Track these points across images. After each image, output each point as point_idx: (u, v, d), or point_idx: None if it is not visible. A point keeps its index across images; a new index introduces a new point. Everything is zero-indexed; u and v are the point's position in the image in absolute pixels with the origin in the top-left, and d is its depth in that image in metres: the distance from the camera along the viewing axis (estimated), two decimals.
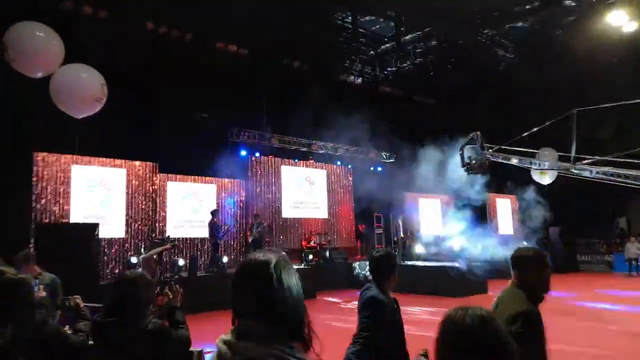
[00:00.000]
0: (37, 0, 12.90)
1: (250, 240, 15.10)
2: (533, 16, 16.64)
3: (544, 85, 19.52)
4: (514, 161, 13.34)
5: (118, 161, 12.54)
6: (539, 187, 22.40)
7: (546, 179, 22.02)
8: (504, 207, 23.95)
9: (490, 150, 13.87)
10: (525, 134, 12.64)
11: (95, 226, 9.64)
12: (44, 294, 4.56)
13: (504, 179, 22.15)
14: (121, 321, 2.56)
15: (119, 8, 14.76)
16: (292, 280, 1.53)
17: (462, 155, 14.34)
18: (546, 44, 17.92)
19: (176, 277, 11.14)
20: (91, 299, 8.42)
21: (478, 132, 14.20)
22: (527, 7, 16.28)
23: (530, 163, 13.41)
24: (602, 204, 20.37)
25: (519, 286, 2.79)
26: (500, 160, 13.64)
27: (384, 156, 22.49)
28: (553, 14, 16.40)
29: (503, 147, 13.66)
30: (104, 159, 12.30)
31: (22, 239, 9.94)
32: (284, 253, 1.60)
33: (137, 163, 12.92)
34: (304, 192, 19.54)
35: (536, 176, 22.16)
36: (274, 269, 1.49)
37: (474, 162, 13.96)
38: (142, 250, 11.28)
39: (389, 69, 20.34)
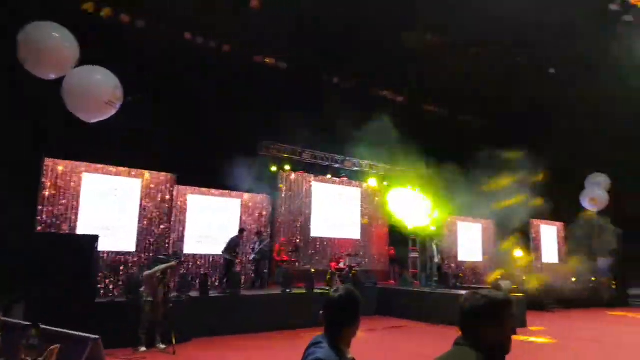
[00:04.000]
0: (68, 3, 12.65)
1: (251, 258, 14.28)
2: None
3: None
4: None
5: (133, 171, 11.92)
6: (590, 216, 20.89)
7: (596, 207, 20.54)
8: (550, 235, 22.37)
9: None
10: None
11: (95, 238, 8.97)
12: None
13: (552, 205, 20.64)
14: None
15: (157, 18, 14.60)
16: None
17: None
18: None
19: (184, 297, 10.36)
20: (84, 317, 7.78)
21: None
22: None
23: None
24: None
25: (472, 346, 1.90)
26: None
27: (421, 176, 21.36)
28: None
29: None
30: (118, 167, 11.70)
31: (24, 248, 9.38)
32: None
33: (153, 173, 12.24)
34: (336, 210, 18.60)
35: (587, 204, 20.68)
36: None
37: None
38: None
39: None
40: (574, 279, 20.04)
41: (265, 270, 14.44)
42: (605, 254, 19.94)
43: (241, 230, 13.52)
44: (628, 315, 16.62)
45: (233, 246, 12.96)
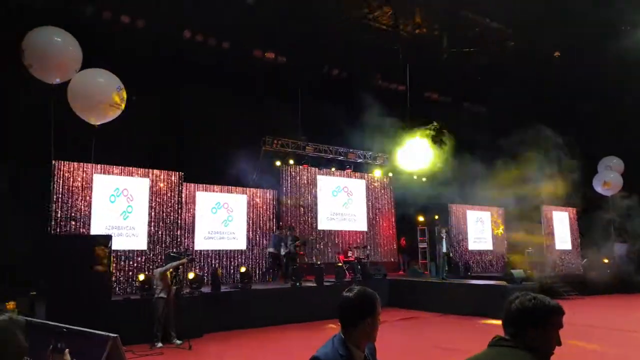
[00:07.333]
0: (69, 8, 12.78)
1: (283, 254, 14.42)
2: None
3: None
4: None
5: (141, 170, 12.01)
6: (603, 200, 20.53)
7: (610, 191, 20.26)
8: (562, 221, 22.12)
9: None
10: None
11: (108, 238, 9.11)
12: None
13: (563, 191, 20.24)
14: None
15: (156, 17, 14.66)
16: None
17: None
18: None
19: (197, 293, 10.50)
20: (101, 315, 7.95)
21: None
22: None
23: None
24: None
25: (522, 347, 1.88)
26: None
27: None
28: None
29: None
30: (127, 167, 11.77)
31: (39, 251, 9.57)
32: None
33: (160, 172, 12.32)
34: (342, 203, 18.67)
35: (599, 187, 20.42)
36: None
37: None
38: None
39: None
40: (588, 265, 19.54)
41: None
42: (636, 237, 19.24)
43: (290, 228, 14.99)
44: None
45: (278, 242, 14.30)
